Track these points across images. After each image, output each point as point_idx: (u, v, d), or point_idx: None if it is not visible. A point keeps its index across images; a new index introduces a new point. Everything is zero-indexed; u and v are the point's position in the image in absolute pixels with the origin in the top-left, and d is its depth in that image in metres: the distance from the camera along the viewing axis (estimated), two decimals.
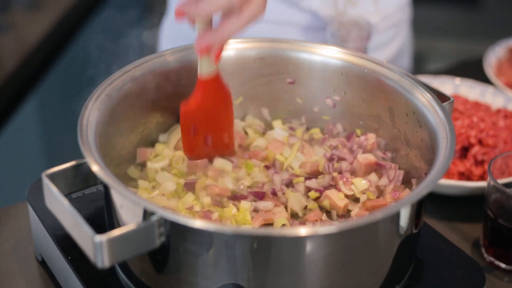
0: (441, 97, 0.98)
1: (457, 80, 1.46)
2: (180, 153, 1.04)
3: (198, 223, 0.80)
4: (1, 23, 2.17)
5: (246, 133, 1.11)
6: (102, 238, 0.79)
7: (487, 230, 1.11)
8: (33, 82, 2.18)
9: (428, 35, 2.99)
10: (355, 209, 1.00)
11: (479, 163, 1.24)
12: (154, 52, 1.05)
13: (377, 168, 1.04)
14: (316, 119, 1.11)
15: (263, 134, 1.11)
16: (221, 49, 0.94)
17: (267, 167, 1.04)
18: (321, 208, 1.00)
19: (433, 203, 1.22)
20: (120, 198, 0.85)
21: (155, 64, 1.03)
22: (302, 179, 1.02)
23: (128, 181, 1.01)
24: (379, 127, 1.06)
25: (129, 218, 0.84)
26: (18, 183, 1.71)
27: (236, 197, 0.99)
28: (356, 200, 1.01)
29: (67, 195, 0.87)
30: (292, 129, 1.11)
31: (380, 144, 1.06)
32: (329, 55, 1.07)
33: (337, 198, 1.00)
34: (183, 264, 0.86)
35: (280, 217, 0.96)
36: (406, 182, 1.02)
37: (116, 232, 0.80)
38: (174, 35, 1.61)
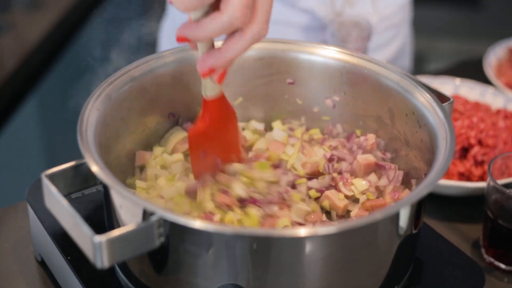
0: (441, 97, 0.98)
1: (457, 81, 1.46)
2: (179, 156, 1.04)
3: (197, 224, 0.80)
4: (1, 23, 2.17)
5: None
6: (101, 238, 0.79)
7: (487, 230, 1.11)
8: (33, 82, 2.18)
9: (428, 35, 2.99)
10: (355, 210, 1.00)
11: (479, 163, 1.24)
12: (154, 53, 1.05)
13: (376, 169, 1.04)
14: (315, 119, 1.11)
15: (263, 135, 1.11)
16: (225, 71, 0.91)
17: (274, 166, 1.04)
18: (321, 208, 1.00)
19: (433, 204, 1.22)
20: (120, 198, 0.85)
21: (154, 65, 1.03)
22: (304, 180, 1.02)
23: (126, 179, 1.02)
24: (379, 128, 1.06)
25: (129, 219, 0.84)
26: (18, 183, 1.71)
27: (242, 200, 0.98)
28: (355, 200, 1.02)
29: (67, 196, 0.86)
30: (291, 129, 1.11)
31: (380, 144, 1.06)
32: (329, 55, 1.07)
33: (336, 199, 1.00)
34: (182, 264, 0.86)
35: (283, 218, 0.96)
36: (406, 182, 1.02)
37: (115, 233, 0.80)
38: (173, 35, 1.61)
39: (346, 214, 1.00)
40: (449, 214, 1.21)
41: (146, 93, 1.02)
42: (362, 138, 1.06)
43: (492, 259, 1.11)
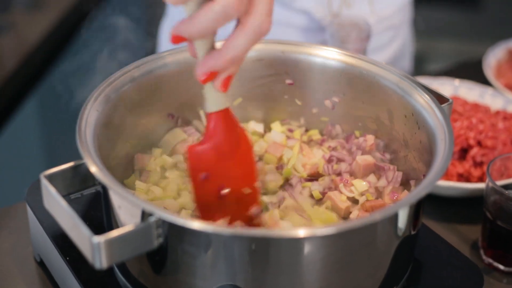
0: (440, 98, 0.98)
1: (457, 82, 1.46)
2: (179, 157, 1.04)
3: (196, 224, 0.80)
4: (1, 23, 2.17)
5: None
6: (100, 239, 0.79)
7: (486, 231, 1.11)
8: (33, 82, 2.18)
9: (428, 36, 2.99)
10: (355, 211, 1.00)
11: (478, 164, 1.24)
12: (154, 53, 1.05)
13: (375, 170, 1.04)
14: (315, 120, 1.11)
15: (262, 136, 1.11)
16: (229, 76, 0.80)
17: (278, 168, 1.05)
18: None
19: (432, 205, 1.22)
20: (118, 199, 0.85)
21: (154, 65, 1.03)
22: (309, 184, 1.02)
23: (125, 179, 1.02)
24: (378, 129, 1.06)
25: (127, 219, 0.84)
26: (18, 184, 1.71)
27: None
28: (355, 201, 1.02)
29: (66, 196, 0.87)
30: (291, 130, 1.11)
31: (379, 145, 1.06)
32: (328, 56, 1.07)
33: (339, 200, 1.00)
34: (181, 265, 0.86)
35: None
36: (405, 183, 1.02)
37: (114, 233, 0.80)
38: None
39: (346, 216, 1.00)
40: (448, 215, 1.21)
41: (145, 93, 1.02)
42: (361, 139, 1.06)
43: (491, 260, 1.11)
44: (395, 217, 0.88)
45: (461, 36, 3.16)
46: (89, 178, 0.90)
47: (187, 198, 0.98)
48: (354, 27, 1.41)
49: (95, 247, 0.79)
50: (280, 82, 1.10)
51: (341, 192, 1.01)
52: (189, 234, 0.83)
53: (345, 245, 0.86)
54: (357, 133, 1.08)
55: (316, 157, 1.07)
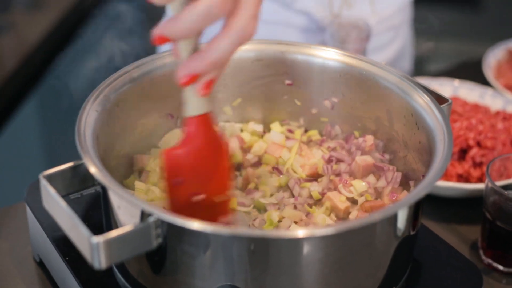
0: (439, 99, 0.98)
1: (456, 82, 1.46)
2: None
3: (195, 225, 0.80)
4: (1, 23, 2.17)
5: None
6: (99, 239, 0.79)
7: (485, 232, 1.11)
8: (33, 82, 2.18)
9: (428, 36, 2.99)
10: (354, 212, 1.00)
11: (477, 165, 1.24)
12: (153, 53, 1.05)
13: (375, 170, 1.04)
14: (314, 121, 1.11)
15: (262, 136, 1.11)
16: (211, 80, 0.77)
17: (274, 169, 1.05)
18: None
19: (431, 205, 1.22)
20: (118, 199, 0.85)
21: (153, 65, 1.03)
22: (309, 184, 1.03)
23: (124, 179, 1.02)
24: (377, 129, 1.06)
25: (127, 219, 0.84)
26: (18, 184, 1.71)
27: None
28: (354, 202, 1.02)
29: (65, 196, 0.87)
30: (290, 131, 1.11)
31: (378, 146, 1.06)
32: (328, 57, 1.07)
33: (338, 200, 1.00)
34: (180, 265, 0.86)
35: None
36: (404, 184, 1.02)
37: (113, 233, 0.80)
38: None
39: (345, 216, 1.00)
40: (448, 216, 1.21)
41: (145, 94, 1.02)
42: (360, 140, 1.06)
43: (490, 261, 1.11)
44: (394, 218, 0.88)
45: (461, 36, 3.16)
46: (89, 178, 0.90)
47: None
48: (354, 28, 1.41)
49: (94, 247, 0.79)
50: (280, 83, 1.10)
51: (340, 193, 1.01)
52: (188, 234, 0.83)
53: (344, 245, 0.86)
54: (356, 133, 1.08)
55: (316, 157, 1.07)
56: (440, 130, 0.93)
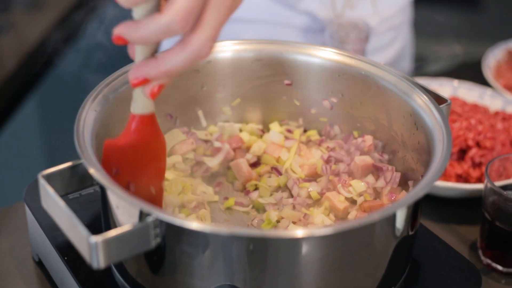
0: (438, 99, 0.98)
1: (456, 82, 1.46)
2: (178, 158, 1.04)
3: (194, 225, 0.80)
4: (1, 23, 2.17)
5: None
6: (97, 239, 0.79)
7: (484, 232, 1.11)
8: (33, 82, 2.18)
9: (428, 37, 2.99)
10: (353, 212, 1.00)
11: (476, 165, 1.24)
12: None
13: (374, 170, 1.04)
14: (313, 121, 1.11)
15: (261, 136, 1.11)
16: (160, 86, 0.81)
17: (273, 169, 1.05)
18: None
19: (431, 205, 1.22)
20: (116, 199, 0.85)
21: None
22: (308, 184, 1.03)
23: None
24: (376, 129, 1.06)
25: (125, 219, 0.84)
26: (18, 184, 1.71)
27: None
28: (353, 202, 1.02)
29: (64, 196, 0.87)
30: (289, 131, 1.11)
31: (377, 146, 1.06)
32: (327, 57, 1.07)
33: (337, 200, 1.00)
34: (178, 265, 0.86)
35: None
36: (403, 184, 1.02)
37: (111, 233, 0.80)
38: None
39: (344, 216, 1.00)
40: (447, 216, 1.21)
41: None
42: (359, 140, 1.06)
43: (489, 261, 1.11)
44: (393, 218, 0.88)
45: (461, 36, 3.16)
46: (87, 178, 0.90)
47: (188, 196, 0.99)
48: (353, 28, 1.41)
49: (92, 247, 0.79)
50: (279, 83, 1.10)
51: (339, 193, 1.01)
52: (187, 234, 0.83)
53: (343, 245, 0.86)
54: (355, 133, 1.08)
55: (315, 157, 1.07)
56: (439, 130, 0.93)
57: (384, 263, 0.91)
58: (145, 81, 0.81)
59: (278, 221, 0.98)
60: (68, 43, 2.33)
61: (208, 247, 0.83)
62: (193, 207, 0.99)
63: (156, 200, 0.92)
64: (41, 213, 0.99)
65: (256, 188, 1.04)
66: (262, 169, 1.06)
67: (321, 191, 1.02)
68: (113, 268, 0.95)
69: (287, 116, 1.12)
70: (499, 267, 1.10)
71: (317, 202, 1.02)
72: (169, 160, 1.04)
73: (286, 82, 1.10)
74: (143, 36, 0.77)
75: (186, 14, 0.76)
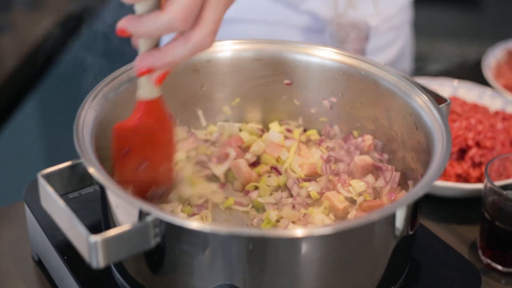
0: (438, 99, 0.98)
1: (455, 82, 1.46)
2: (179, 157, 1.04)
3: (193, 224, 0.80)
4: (1, 23, 2.17)
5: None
6: (96, 238, 0.79)
7: (484, 232, 1.11)
8: (33, 82, 2.18)
9: (428, 37, 2.99)
10: (352, 211, 1.00)
11: (476, 165, 1.24)
12: None
13: (373, 170, 1.04)
14: (313, 120, 1.11)
15: (260, 136, 1.11)
16: (164, 74, 0.87)
17: (273, 169, 1.05)
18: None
19: (430, 205, 1.22)
20: (116, 198, 0.85)
21: None
22: (307, 184, 1.03)
23: None
24: (376, 129, 1.06)
25: (125, 219, 0.84)
26: (18, 183, 1.71)
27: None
28: (352, 201, 1.02)
29: (63, 195, 0.87)
30: (289, 130, 1.11)
31: (377, 145, 1.06)
32: (327, 56, 1.07)
33: (337, 200, 1.00)
34: (178, 264, 0.86)
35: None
36: (403, 184, 1.02)
37: (111, 232, 0.80)
38: (172, 35, 1.61)
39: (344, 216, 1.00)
40: (447, 216, 1.21)
41: None
42: (359, 139, 1.06)
43: (489, 261, 1.11)
44: (392, 217, 0.88)
45: (461, 36, 3.16)
46: (87, 178, 0.90)
47: (198, 190, 1.01)
48: (353, 28, 1.41)
49: (92, 246, 0.79)
50: (279, 82, 1.10)
51: (339, 192, 1.01)
52: (187, 234, 0.83)
53: (343, 245, 0.86)
54: (355, 133, 1.08)
55: (314, 157, 1.07)
56: (438, 130, 0.93)
57: (383, 262, 0.91)
58: (149, 71, 0.86)
59: (277, 221, 0.98)
60: (68, 43, 2.33)
61: (208, 247, 0.83)
62: (199, 205, 0.99)
63: (166, 179, 0.97)
64: (40, 212, 0.99)
65: (256, 188, 1.04)
66: (261, 168, 1.06)
67: (320, 191, 1.02)
68: (113, 267, 0.95)
69: (287, 116, 1.12)
70: (499, 267, 1.10)
71: (316, 202, 1.02)
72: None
73: (286, 81, 1.10)
74: (146, 31, 0.83)
75: (187, 13, 0.80)
